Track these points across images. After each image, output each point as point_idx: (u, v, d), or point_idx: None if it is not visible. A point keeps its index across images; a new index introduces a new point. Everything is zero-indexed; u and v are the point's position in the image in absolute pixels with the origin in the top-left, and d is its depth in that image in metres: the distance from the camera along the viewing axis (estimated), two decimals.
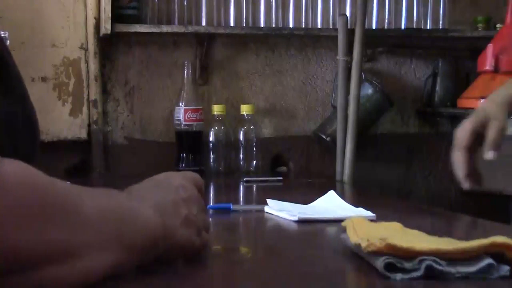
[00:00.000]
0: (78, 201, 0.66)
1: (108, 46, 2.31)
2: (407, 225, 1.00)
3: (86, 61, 2.27)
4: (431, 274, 0.81)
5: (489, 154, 1.33)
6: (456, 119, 2.31)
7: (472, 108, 1.69)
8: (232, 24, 2.38)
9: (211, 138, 2.26)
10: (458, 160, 1.36)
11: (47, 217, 0.61)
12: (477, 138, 1.35)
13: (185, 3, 2.33)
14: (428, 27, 2.51)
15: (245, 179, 2.04)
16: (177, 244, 0.83)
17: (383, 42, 2.50)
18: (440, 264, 0.81)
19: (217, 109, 2.27)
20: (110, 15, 2.17)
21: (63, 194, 0.65)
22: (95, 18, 2.24)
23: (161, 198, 0.82)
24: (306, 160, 2.46)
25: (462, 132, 1.36)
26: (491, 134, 1.34)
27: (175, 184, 0.88)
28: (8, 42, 1.69)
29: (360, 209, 1.35)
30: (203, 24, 2.35)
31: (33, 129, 0.91)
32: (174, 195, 0.85)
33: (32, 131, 0.91)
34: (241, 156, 2.28)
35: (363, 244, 0.85)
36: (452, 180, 2.51)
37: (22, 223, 0.59)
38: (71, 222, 0.64)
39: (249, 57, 2.43)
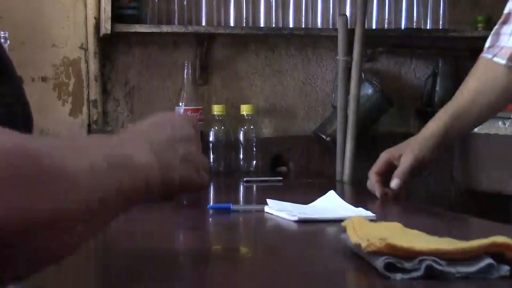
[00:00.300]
0: (67, 164, 0.63)
1: (108, 46, 2.31)
2: (407, 225, 1.00)
3: (86, 61, 2.27)
4: (431, 274, 0.81)
5: (392, 183, 1.55)
6: None
7: None
8: (232, 24, 2.38)
9: (211, 138, 2.26)
10: (372, 183, 1.58)
11: (35, 186, 0.59)
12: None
13: (185, 3, 2.33)
14: (428, 27, 2.51)
15: (245, 179, 2.04)
16: (177, 183, 0.81)
17: (383, 42, 2.50)
18: (440, 264, 0.81)
19: (217, 109, 2.27)
20: (110, 15, 2.17)
21: (52, 158, 0.62)
22: (95, 18, 2.24)
23: (157, 138, 0.80)
24: (306, 160, 2.46)
25: (379, 159, 1.60)
26: (399, 166, 1.55)
27: (171, 123, 0.85)
28: (8, 42, 1.69)
29: (360, 209, 1.35)
30: (203, 24, 2.35)
31: (30, 129, 0.91)
32: (171, 134, 0.83)
33: (30, 132, 0.91)
34: (241, 156, 2.28)
35: (363, 244, 0.86)
36: (452, 180, 2.53)
37: (9, 194, 0.58)
38: (61, 188, 0.61)
39: (249, 57, 2.43)
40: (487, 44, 1.62)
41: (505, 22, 1.60)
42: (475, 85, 1.61)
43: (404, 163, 1.56)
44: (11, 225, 0.57)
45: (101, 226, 0.67)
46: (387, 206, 1.57)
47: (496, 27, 1.62)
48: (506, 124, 2.22)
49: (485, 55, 1.61)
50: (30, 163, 0.59)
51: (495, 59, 1.57)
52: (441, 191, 2.54)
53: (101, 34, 2.22)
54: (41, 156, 0.61)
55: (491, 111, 1.65)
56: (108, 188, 0.67)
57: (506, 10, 1.61)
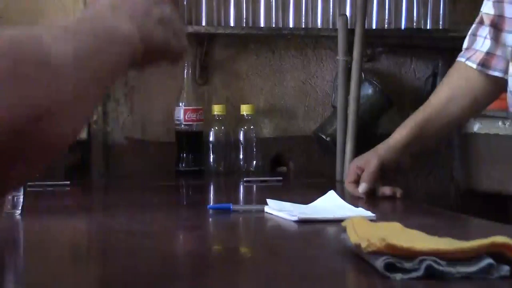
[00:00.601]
0: (51, 50, 0.64)
1: None
2: (407, 225, 1.00)
3: None
4: (431, 274, 0.81)
5: (360, 187, 1.60)
6: None
7: None
8: (232, 24, 2.38)
9: (211, 138, 2.26)
10: (351, 191, 1.63)
11: (19, 78, 0.60)
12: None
13: (185, 3, 2.33)
14: (428, 27, 2.51)
15: (245, 179, 2.04)
16: (155, 46, 0.81)
17: (383, 42, 2.50)
18: (440, 264, 0.81)
19: (217, 109, 2.27)
20: None
21: (36, 47, 0.63)
22: None
23: (132, 5, 0.80)
24: (306, 160, 2.46)
25: (349, 170, 1.68)
26: (365, 170, 1.61)
27: None
28: None
29: (360, 209, 1.35)
30: (203, 24, 2.35)
31: None
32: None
33: None
34: (241, 156, 2.28)
35: (363, 244, 0.86)
36: (452, 180, 2.53)
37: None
38: (48, 76, 0.62)
39: (249, 57, 2.43)
40: (465, 44, 1.64)
41: (481, 23, 1.61)
42: (448, 89, 1.65)
43: (370, 167, 1.61)
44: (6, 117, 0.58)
45: (93, 103, 0.69)
46: (387, 206, 1.57)
47: (473, 26, 1.64)
48: (506, 124, 2.22)
49: (460, 58, 1.63)
50: (12, 54, 0.60)
51: (468, 62, 1.59)
52: (441, 191, 2.54)
53: None
54: (25, 45, 0.61)
55: (465, 116, 1.70)
56: (94, 65, 0.68)
57: (482, 9, 1.62)
